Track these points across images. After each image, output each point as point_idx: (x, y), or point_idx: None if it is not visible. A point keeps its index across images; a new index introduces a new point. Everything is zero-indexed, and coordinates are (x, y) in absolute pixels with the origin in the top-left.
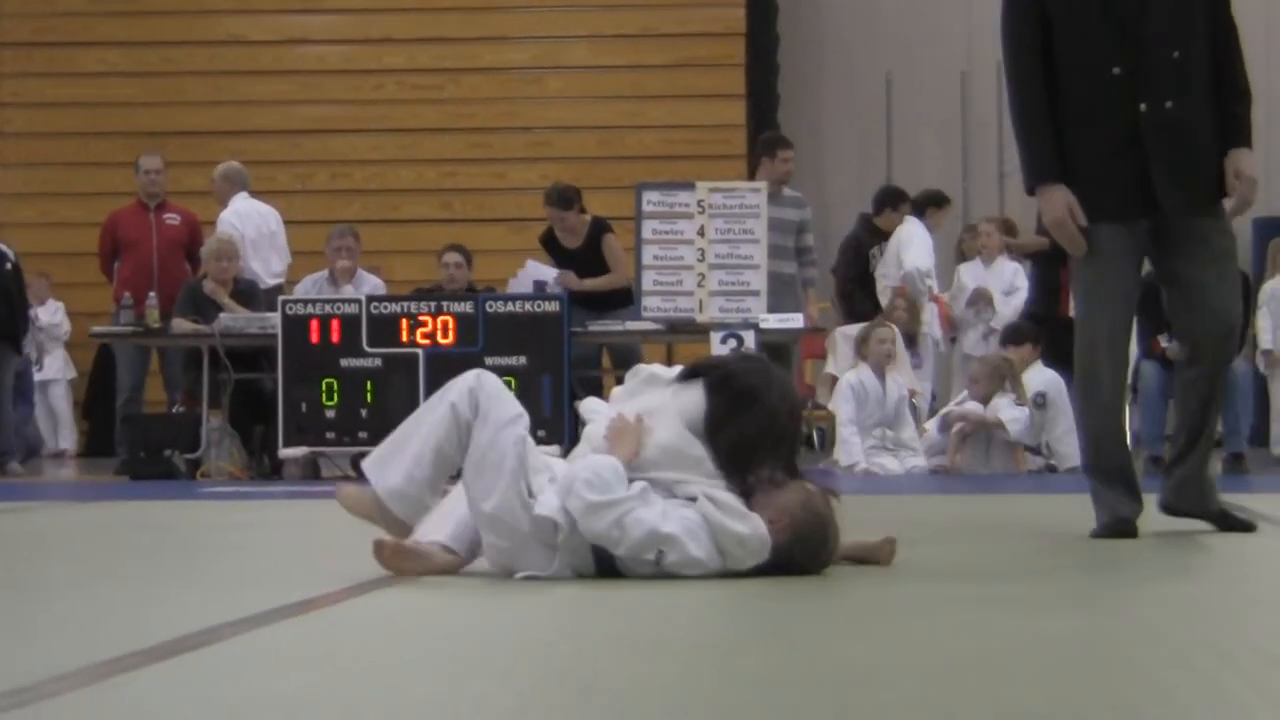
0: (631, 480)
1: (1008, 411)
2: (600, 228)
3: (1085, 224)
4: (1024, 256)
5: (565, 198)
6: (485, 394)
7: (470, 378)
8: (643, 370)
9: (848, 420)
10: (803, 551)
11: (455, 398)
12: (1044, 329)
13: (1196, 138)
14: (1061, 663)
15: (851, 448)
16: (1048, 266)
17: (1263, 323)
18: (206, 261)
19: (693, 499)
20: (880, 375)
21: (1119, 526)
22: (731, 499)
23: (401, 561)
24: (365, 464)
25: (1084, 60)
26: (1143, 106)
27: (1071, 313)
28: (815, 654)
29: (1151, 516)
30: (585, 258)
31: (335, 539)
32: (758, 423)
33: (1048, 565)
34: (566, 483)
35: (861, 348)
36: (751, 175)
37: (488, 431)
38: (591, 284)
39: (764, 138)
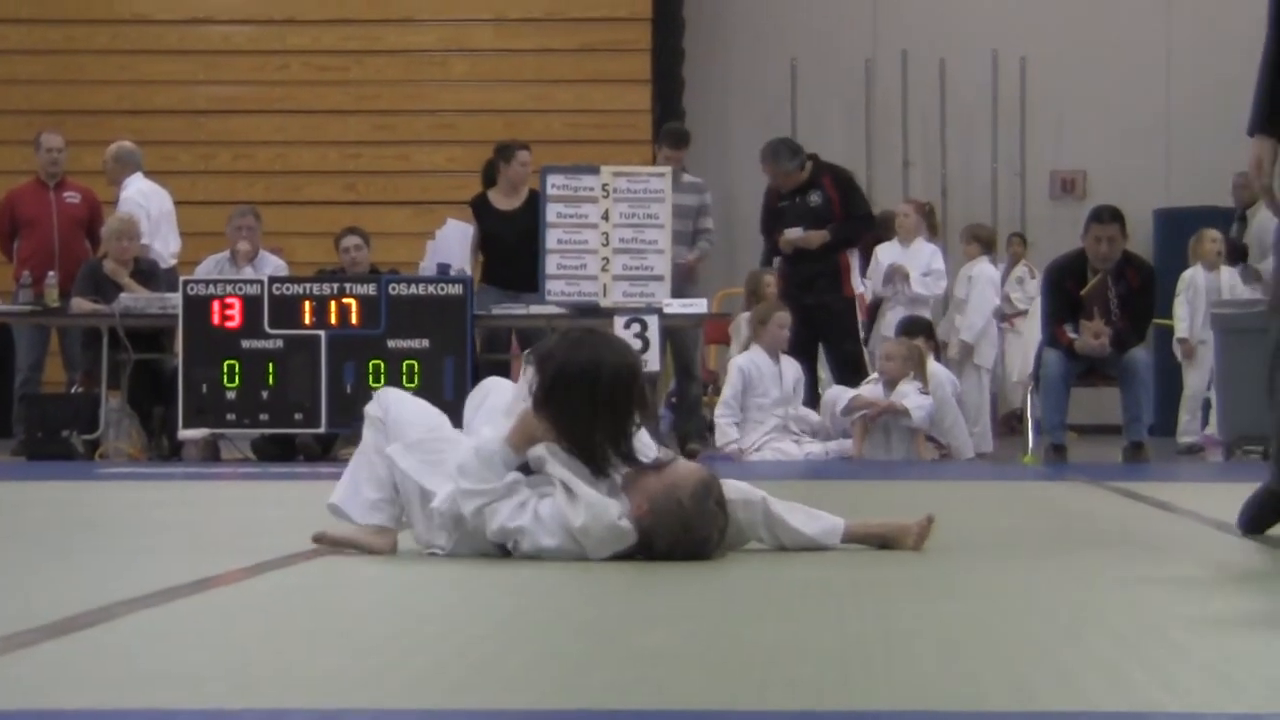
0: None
1: (914, 399)
2: (538, 199)
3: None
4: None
5: (518, 143)
6: (391, 417)
7: (372, 404)
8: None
9: (724, 401)
10: (661, 538)
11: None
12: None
13: None
14: (962, 643)
15: (725, 429)
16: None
17: (1179, 311)
18: (107, 241)
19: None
20: (775, 357)
21: None
22: (583, 489)
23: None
24: (332, 507)
25: None
26: None
27: (855, 291)
28: (714, 633)
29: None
30: (519, 221)
31: (235, 519)
32: (576, 399)
33: (953, 551)
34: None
35: (758, 329)
36: (657, 162)
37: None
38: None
39: (668, 129)
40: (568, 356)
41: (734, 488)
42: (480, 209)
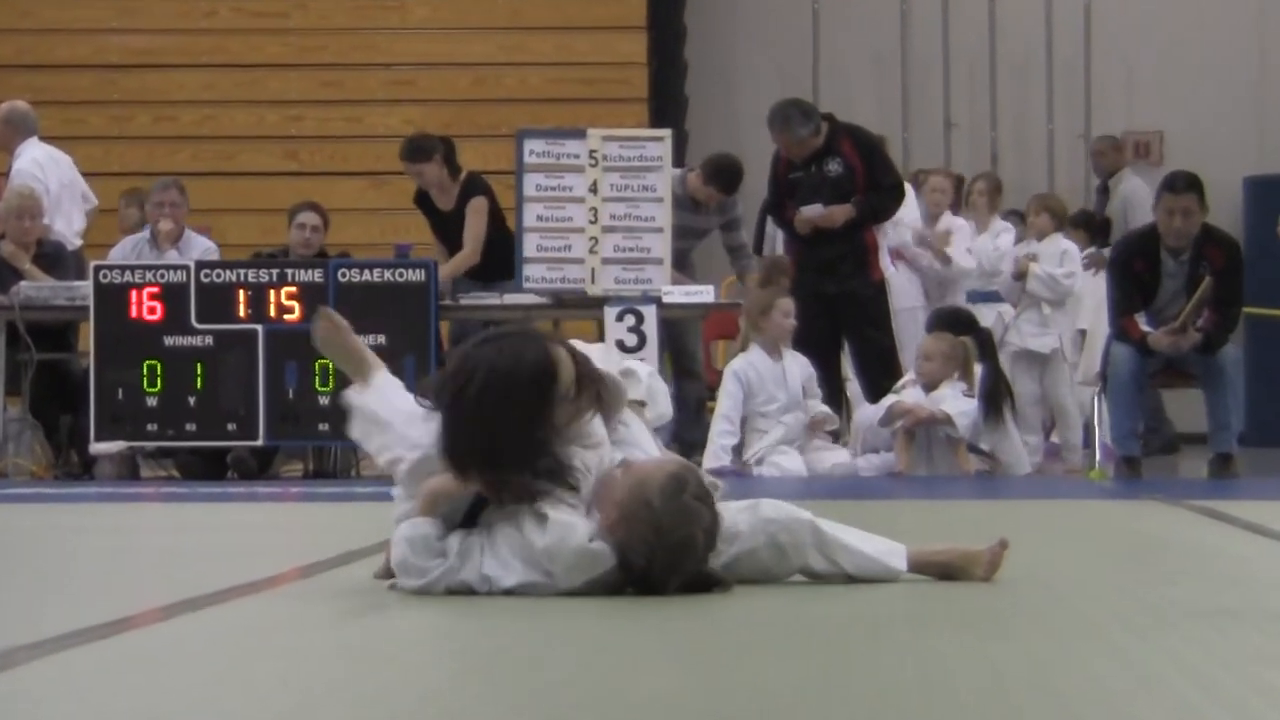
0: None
1: (955, 404)
2: (472, 189)
3: None
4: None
5: (418, 148)
6: None
7: None
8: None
9: (721, 416)
10: (636, 551)
11: None
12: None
13: None
14: (1015, 689)
15: (717, 448)
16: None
17: None
18: (5, 220)
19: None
20: (777, 354)
21: None
22: (552, 511)
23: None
24: None
25: None
26: None
27: (885, 273)
28: (720, 676)
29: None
30: (461, 222)
31: (156, 549)
32: (472, 419)
33: (1006, 582)
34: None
35: (758, 321)
36: (655, 123)
37: None
38: (444, 271)
39: (722, 165)
40: (459, 367)
41: (775, 507)
42: (424, 207)
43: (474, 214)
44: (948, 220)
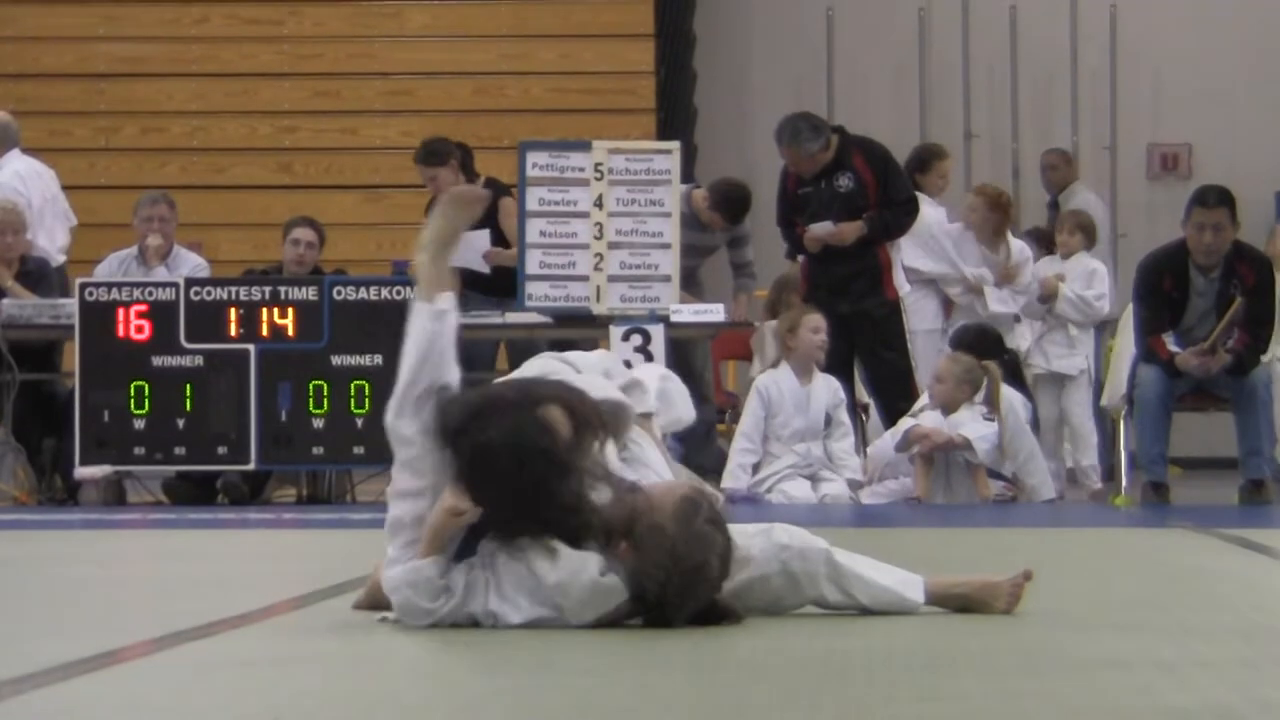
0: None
1: (974, 427)
2: (497, 191)
3: None
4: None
5: (433, 152)
6: None
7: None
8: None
9: (742, 433)
10: (650, 578)
11: None
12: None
13: None
14: None
15: (734, 469)
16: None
17: None
18: None
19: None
20: (806, 376)
21: None
22: (561, 546)
23: None
24: None
25: None
26: None
27: (900, 291)
28: (729, 718)
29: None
30: (483, 230)
31: (144, 578)
32: (500, 486)
33: (1030, 616)
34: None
35: (788, 339)
36: (663, 134)
37: None
38: (495, 257)
39: (731, 193)
40: (485, 432)
41: (789, 533)
42: None
43: (508, 213)
44: (1015, 252)
